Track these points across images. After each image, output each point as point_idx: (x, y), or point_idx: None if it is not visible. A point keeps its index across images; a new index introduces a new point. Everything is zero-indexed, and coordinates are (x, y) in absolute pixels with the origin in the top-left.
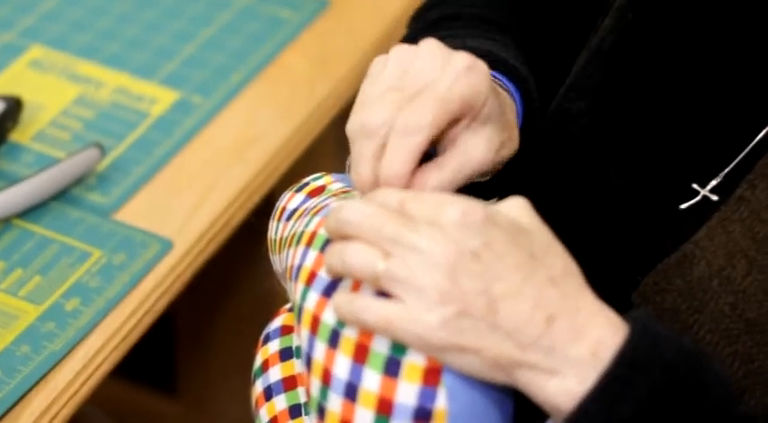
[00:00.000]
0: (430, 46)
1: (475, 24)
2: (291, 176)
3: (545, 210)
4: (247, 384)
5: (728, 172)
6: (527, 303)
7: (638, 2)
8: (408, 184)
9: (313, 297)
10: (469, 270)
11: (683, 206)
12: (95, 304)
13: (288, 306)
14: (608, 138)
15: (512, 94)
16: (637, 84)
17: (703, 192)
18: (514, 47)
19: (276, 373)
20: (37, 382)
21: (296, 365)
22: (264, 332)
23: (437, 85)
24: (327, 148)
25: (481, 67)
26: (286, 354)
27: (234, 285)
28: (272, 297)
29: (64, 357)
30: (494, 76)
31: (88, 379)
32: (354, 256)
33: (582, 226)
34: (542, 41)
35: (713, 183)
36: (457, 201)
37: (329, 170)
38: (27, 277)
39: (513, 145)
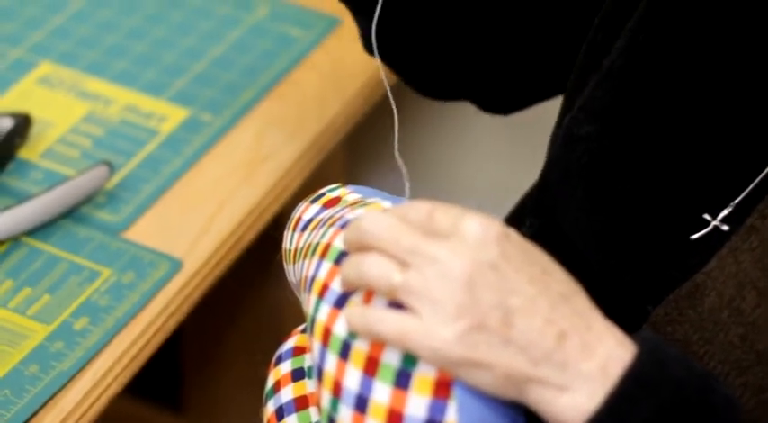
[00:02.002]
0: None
1: None
2: (302, 196)
3: (552, 235)
4: (254, 402)
5: (739, 202)
6: (540, 318)
7: (650, 24)
8: None
9: (325, 309)
10: (487, 282)
11: (694, 236)
12: (104, 324)
13: (300, 327)
14: (617, 164)
15: None
16: (647, 109)
17: (714, 222)
18: None
19: (288, 394)
20: (45, 403)
21: (308, 385)
22: (277, 353)
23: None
24: (338, 168)
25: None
26: (298, 374)
27: (242, 304)
28: (279, 316)
29: (73, 377)
30: None
31: (97, 399)
32: (371, 267)
33: (590, 253)
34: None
35: (724, 212)
36: (476, 214)
37: None
38: (36, 296)
39: None
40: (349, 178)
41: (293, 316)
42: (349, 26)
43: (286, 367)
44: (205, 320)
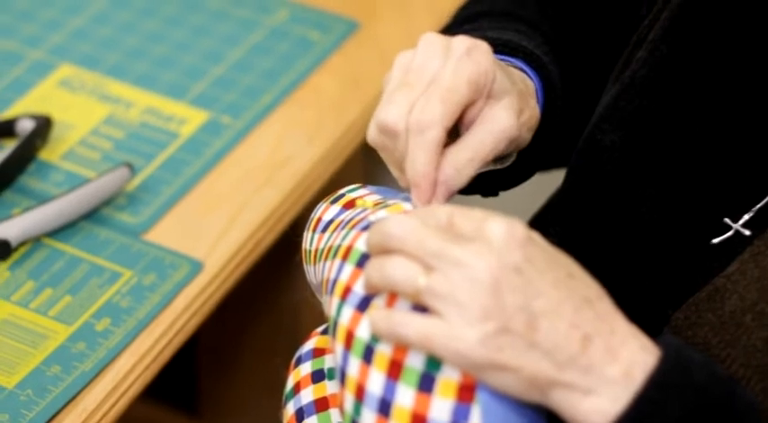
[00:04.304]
0: (427, 39)
1: (502, 19)
2: (321, 199)
3: (576, 242)
4: (271, 405)
5: (761, 207)
6: (565, 322)
7: (673, 35)
8: (436, 176)
9: (347, 312)
10: (512, 285)
11: (716, 241)
12: (126, 325)
13: (320, 329)
14: (640, 171)
15: (530, 76)
16: (670, 117)
17: (735, 226)
18: (542, 41)
19: (308, 395)
20: (67, 403)
21: (328, 387)
22: (296, 355)
23: (441, 77)
24: (356, 171)
25: (481, 46)
26: (318, 376)
27: (257, 307)
28: (297, 318)
29: (94, 378)
30: (509, 61)
31: (119, 400)
32: (396, 270)
33: (613, 259)
34: (574, 43)
35: (745, 217)
36: (500, 217)
37: None
38: (57, 297)
39: (532, 112)
40: (367, 181)
41: (311, 318)
42: (367, 30)
43: (306, 369)
44: (221, 322)
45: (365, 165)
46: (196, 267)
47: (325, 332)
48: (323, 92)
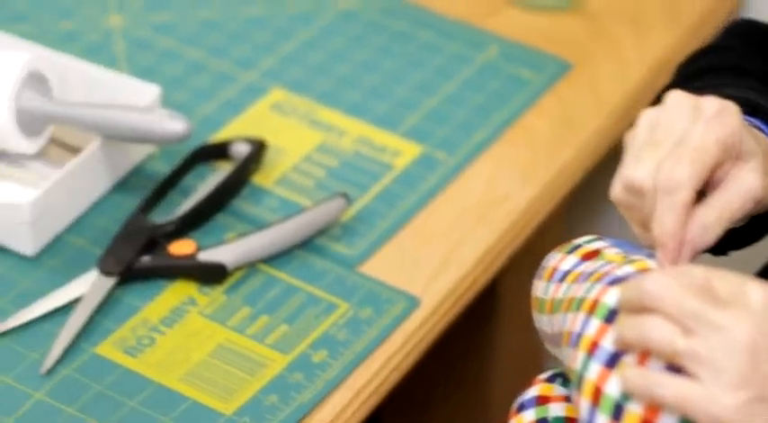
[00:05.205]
0: (676, 97)
1: (732, 75)
2: (533, 240)
3: None
4: None
5: None
6: None
7: None
8: (683, 237)
9: (595, 368)
10: None
11: None
12: (343, 358)
13: (543, 376)
14: None
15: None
16: None
17: None
18: None
19: None
20: None
21: None
22: (518, 401)
23: (690, 137)
24: (562, 214)
25: (731, 107)
26: None
27: (447, 374)
28: (505, 364)
29: (312, 410)
30: (749, 120)
31: None
32: (654, 330)
33: None
34: None
35: None
36: (758, 282)
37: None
38: (274, 325)
39: None
40: (572, 224)
41: (515, 363)
42: (580, 72)
43: (529, 416)
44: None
45: (572, 207)
46: (412, 303)
47: (549, 380)
48: (535, 131)
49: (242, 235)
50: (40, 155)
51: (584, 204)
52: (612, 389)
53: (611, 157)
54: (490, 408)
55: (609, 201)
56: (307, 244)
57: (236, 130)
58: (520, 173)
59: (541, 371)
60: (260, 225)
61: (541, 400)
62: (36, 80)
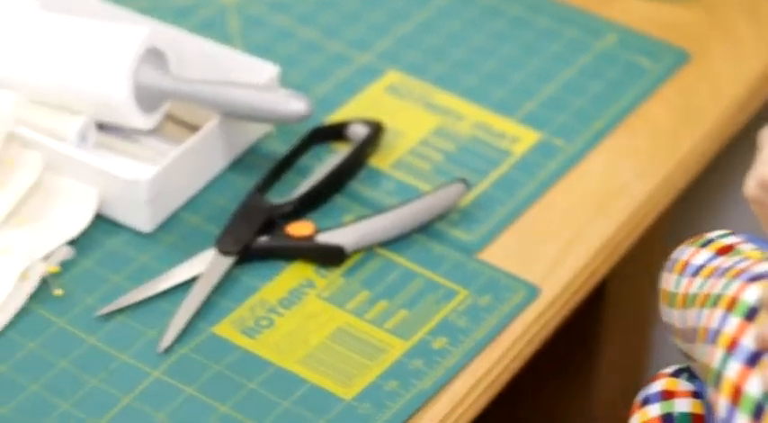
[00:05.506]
0: None
1: None
2: (653, 233)
3: None
4: None
5: None
6: None
7: None
8: None
9: (735, 366)
10: None
11: None
12: (463, 345)
13: (668, 370)
14: None
15: None
16: None
17: None
18: None
19: None
20: (404, 421)
21: None
22: (642, 395)
23: None
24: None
25: None
26: (667, 420)
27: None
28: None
29: (431, 397)
30: None
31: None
32: None
33: None
34: None
35: None
36: None
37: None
38: (393, 310)
39: None
40: (692, 217)
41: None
42: (698, 63)
43: (654, 410)
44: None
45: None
46: (532, 292)
47: (675, 375)
48: (654, 121)
49: (360, 218)
50: (155, 131)
51: (691, 199)
52: (753, 388)
53: (725, 152)
54: (594, 400)
55: (719, 195)
56: (425, 229)
57: (352, 112)
58: (638, 163)
59: (648, 364)
60: (377, 208)
61: (666, 395)
62: (154, 55)
